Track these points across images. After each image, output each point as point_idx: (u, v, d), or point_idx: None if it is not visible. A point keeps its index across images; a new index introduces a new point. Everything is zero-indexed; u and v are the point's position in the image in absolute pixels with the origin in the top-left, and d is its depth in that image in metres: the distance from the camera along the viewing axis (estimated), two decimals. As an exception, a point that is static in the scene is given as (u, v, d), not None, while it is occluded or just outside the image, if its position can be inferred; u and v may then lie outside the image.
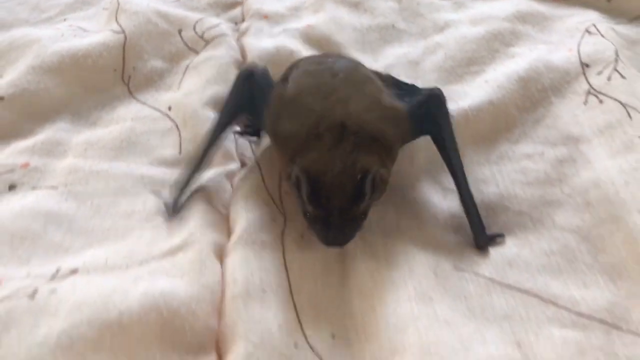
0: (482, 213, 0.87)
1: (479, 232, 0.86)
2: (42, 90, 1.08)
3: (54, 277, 0.80)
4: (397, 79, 0.98)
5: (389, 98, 0.86)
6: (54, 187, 0.94)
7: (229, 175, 0.98)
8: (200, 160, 0.91)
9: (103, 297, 0.74)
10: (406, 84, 0.96)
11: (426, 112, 0.87)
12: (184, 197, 0.90)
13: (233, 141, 1.03)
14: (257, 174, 0.95)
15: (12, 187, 0.94)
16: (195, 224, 0.87)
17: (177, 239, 0.85)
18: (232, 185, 0.96)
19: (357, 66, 0.93)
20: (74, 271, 0.81)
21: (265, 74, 0.93)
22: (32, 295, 0.75)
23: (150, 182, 0.95)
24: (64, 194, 0.93)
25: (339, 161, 0.77)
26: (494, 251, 0.85)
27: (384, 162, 0.81)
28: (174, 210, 0.89)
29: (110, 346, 0.70)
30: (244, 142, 1.04)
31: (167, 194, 0.92)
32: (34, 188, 0.94)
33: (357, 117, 0.80)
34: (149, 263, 0.82)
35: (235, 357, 0.71)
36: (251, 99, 0.91)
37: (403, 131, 0.85)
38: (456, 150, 0.88)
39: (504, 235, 0.86)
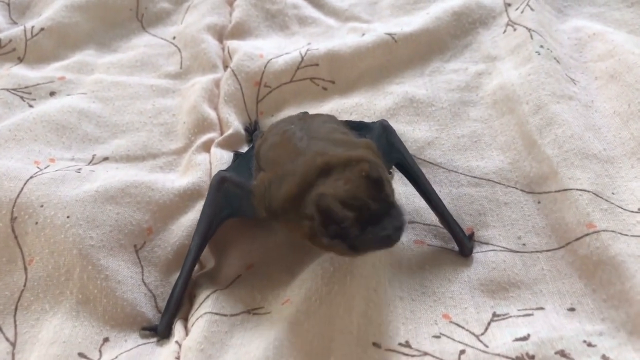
0: (412, 108, 1.14)
1: (463, 241, 0.92)
2: (73, 24, 1.37)
3: (91, 161, 1.09)
4: (345, 120, 1.02)
5: (355, 138, 0.90)
6: (84, 94, 1.22)
7: None
8: (185, 276, 0.88)
9: (125, 178, 1.01)
10: (354, 122, 1.02)
11: (387, 142, 0.94)
12: (173, 319, 0.88)
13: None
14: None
15: (52, 94, 1.23)
16: None
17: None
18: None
19: (317, 123, 0.93)
20: (105, 158, 1.10)
21: (235, 177, 0.91)
22: (78, 171, 1.03)
23: (157, 89, 1.24)
24: (92, 98, 1.21)
25: (340, 178, 0.77)
26: (419, 133, 1.11)
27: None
28: (165, 334, 0.86)
29: (128, 201, 0.98)
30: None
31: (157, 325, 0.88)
32: (68, 94, 1.23)
33: (340, 154, 0.81)
34: (160, 157, 1.11)
35: None
36: (229, 201, 0.90)
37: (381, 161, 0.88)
38: (421, 171, 0.95)
39: (474, 231, 0.95)
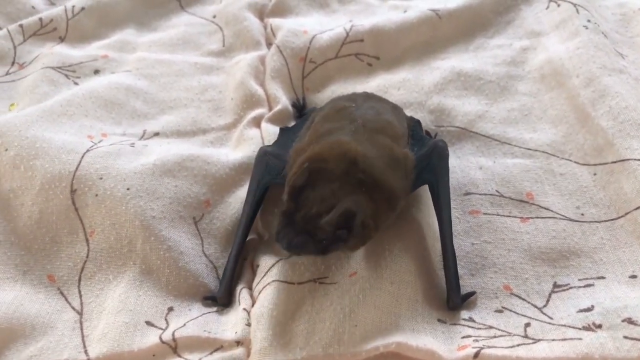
0: (460, 82, 1.14)
1: (453, 292, 0.83)
2: (113, 3, 1.36)
3: (142, 137, 1.09)
4: (419, 127, 1.02)
5: (400, 148, 0.88)
6: (128, 71, 1.21)
7: None
8: (238, 244, 0.90)
9: (180, 151, 1.02)
10: (419, 133, 0.99)
11: (429, 163, 0.90)
12: (230, 287, 0.88)
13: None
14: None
15: (96, 72, 1.23)
16: None
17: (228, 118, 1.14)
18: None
19: (378, 112, 0.94)
20: (156, 134, 1.10)
21: (275, 149, 0.97)
22: (132, 145, 1.03)
23: (201, 66, 1.23)
24: (137, 75, 1.20)
25: (339, 186, 0.79)
26: (469, 107, 1.11)
27: (379, 212, 0.81)
28: (224, 301, 0.87)
29: (185, 174, 0.98)
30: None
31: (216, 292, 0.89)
32: (113, 72, 1.22)
33: (369, 161, 0.82)
34: (210, 133, 1.11)
35: None
36: (270, 171, 0.93)
37: (409, 183, 0.87)
38: (448, 205, 0.88)
39: (476, 292, 0.85)
